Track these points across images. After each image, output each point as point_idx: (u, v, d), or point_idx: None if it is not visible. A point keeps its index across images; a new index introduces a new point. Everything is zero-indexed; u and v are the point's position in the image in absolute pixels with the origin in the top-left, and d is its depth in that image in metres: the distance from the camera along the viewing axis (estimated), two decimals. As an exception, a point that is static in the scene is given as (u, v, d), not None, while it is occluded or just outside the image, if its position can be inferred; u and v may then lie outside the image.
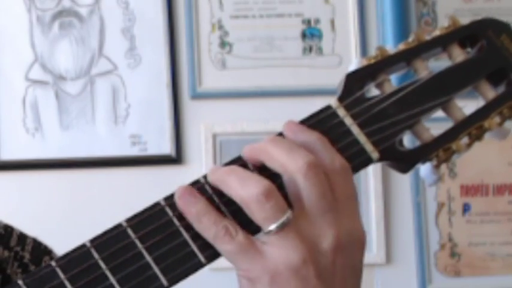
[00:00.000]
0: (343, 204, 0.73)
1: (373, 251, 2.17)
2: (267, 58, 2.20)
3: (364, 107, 0.77)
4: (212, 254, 0.72)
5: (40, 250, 0.96)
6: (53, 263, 0.70)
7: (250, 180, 0.71)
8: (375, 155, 0.77)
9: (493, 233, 2.23)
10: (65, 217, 2.10)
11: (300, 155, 0.72)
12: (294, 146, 0.73)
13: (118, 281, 0.70)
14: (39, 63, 2.14)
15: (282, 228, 0.70)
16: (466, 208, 2.22)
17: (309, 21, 2.22)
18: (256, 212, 0.70)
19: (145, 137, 2.14)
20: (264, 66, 2.19)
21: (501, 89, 0.80)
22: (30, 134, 2.12)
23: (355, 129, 0.77)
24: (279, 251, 0.70)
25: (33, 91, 2.13)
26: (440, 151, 0.78)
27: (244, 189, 0.71)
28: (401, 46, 0.80)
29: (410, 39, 0.80)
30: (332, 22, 2.22)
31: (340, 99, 0.77)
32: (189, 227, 0.72)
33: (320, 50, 2.21)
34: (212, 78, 2.18)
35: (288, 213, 0.71)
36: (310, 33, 2.21)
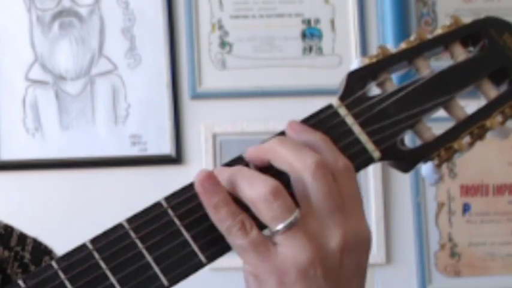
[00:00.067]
0: (349, 204, 0.72)
1: (373, 251, 2.17)
2: (267, 58, 2.19)
3: (366, 106, 0.77)
4: (213, 254, 0.72)
5: (40, 250, 0.96)
6: (53, 263, 0.70)
7: (258, 179, 0.71)
8: (376, 154, 0.76)
9: (493, 233, 2.22)
10: (65, 217, 2.10)
11: (308, 154, 0.72)
12: (302, 145, 0.73)
13: (118, 281, 0.70)
14: (39, 63, 2.14)
15: (289, 227, 0.70)
16: (466, 208, 2.22)
17: (309, 21, 2.22)
18: (264, 211, 0.70)
19: (145, 137, 2.14)
20: (264, 66, 2.19)
21: (503, 88, 0.80)
22: (30, 134, 2.12)
23: (357, 129, 0.76)
24: (286, 251, 0.70)
25: (33, 91, 2.13)
26: (442, 150, 0.78)
27: (252, 188, 0.70)
28: (403, 45, 0.79)
29: (412, 38, 0.80)
30: (332, 22, 2.22)
31: (342, 98, 0.77)
32: (189, 227, 0.72)
33: (320, 50, 2.21)
34: (212, 78, 2.17)
35: (296, 213, 0.70)
36: (310, 33, 2.21)
